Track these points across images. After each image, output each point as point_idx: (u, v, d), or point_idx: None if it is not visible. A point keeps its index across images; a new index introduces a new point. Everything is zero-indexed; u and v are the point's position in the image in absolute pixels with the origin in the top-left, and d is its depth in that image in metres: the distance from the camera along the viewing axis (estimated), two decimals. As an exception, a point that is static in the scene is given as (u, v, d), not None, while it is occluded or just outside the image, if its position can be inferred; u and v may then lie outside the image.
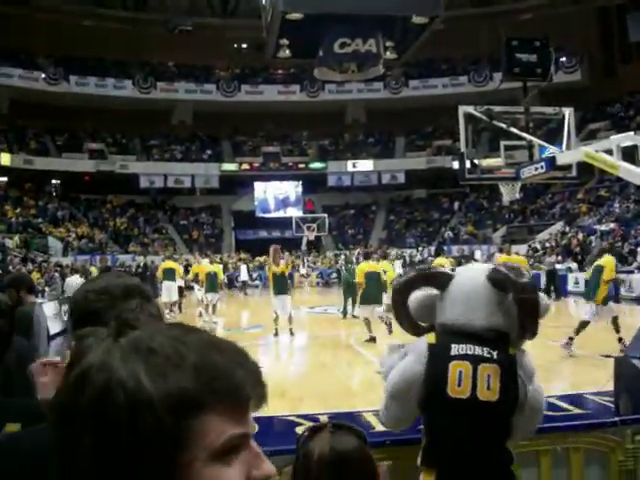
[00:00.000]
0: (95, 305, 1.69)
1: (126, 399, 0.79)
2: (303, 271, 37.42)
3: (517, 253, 23.97)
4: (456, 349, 2.90)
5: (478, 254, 23.91)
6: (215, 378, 0.83)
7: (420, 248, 42.55)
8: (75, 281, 20.77)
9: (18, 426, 2.05)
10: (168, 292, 21.80)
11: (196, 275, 21.98)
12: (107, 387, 0.80)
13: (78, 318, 1.70)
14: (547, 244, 35.71)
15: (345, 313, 21.17)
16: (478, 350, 2.90)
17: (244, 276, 35.84)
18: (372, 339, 15.20)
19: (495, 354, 2.91)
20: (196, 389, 0.81)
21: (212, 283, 20.50)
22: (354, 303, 20.99)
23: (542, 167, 12.26)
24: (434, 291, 3.15)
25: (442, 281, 3.12)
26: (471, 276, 3.09)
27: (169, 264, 23.20)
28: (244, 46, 44.83)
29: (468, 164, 13.33)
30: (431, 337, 3.01)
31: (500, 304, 2.96)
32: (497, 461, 2.91)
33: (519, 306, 2.90)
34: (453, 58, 48.30)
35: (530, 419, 3.00)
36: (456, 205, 49.33)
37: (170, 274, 22.24)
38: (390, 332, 14.91)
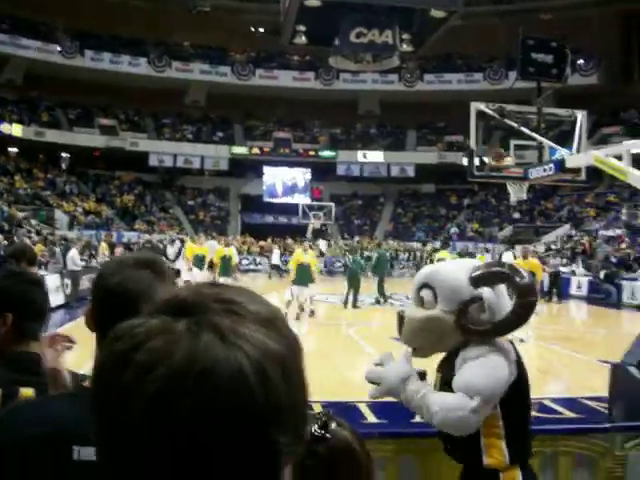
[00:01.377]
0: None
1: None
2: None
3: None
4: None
5: (509, 255, 23.64)
6: None
7: (425, 244, 42.50)
8: (73, 255, 20.94)
9: (32, 391, 2.15)
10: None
11: (196, 257, 21.72)
12: (252, 392, 0.76)
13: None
14: (552, 246, 35.65)
15: (346, 303, 21.13)
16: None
17: (276, 260, 35.49)
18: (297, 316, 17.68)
19: None
20: None
21: (226, 267, 20.15)
22: (356, 293, 21.13)
23: (551, 169, 12.23)
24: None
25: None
26: None
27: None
28: (261, 30, 44.67)
29: (477, 161, 13.31)
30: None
31: None
32: None
33: (519, 307, 2.93)
34: (469, 54, 48.05)
35: None
36: (464, 202, 49.26)
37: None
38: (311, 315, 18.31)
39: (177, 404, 0.73)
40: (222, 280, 19.65)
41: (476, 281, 2.91)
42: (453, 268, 3.06)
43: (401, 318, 3.12)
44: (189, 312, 0.80)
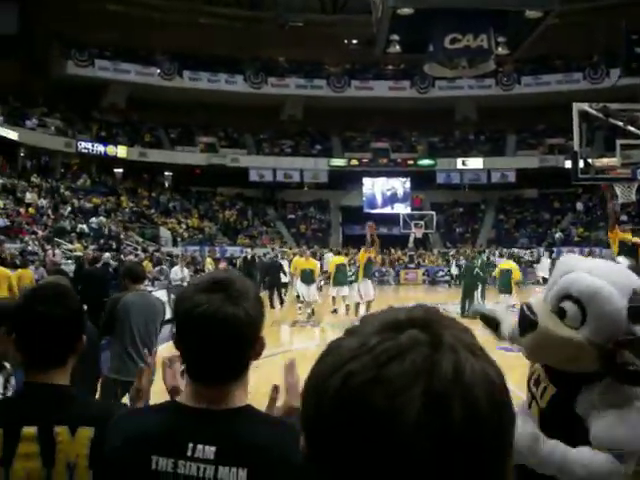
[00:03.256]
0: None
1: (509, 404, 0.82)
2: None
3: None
4: None
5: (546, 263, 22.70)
6: None
7: (530, 250, 41.68)
8: (177, 272, 21.55)
9: (92, 430, 2.07)
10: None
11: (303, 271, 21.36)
12: (503, 402, 0.80)
13: None
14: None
15: (463, 311, 20.60)
16: None
17: (455, 269, 34.41)
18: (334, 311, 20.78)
19: None
20: None
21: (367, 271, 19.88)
22: (471, 302, 20.72)
23: (661, 168, 11.79)
24: None
25: None
26: None
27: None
28: (354, 42, 44.81)
29: (581, 163, 12.94)
30: None
31: None
32: None
33: None
34: (567, 54, 46.86)
35: None
36: (568, 206, 48.10)
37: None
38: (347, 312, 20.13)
39: (449, 415, 0.74)
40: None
41: (637, 312, 2.40)
42: (614, 290, 2.43)
43: (530, 321, 2.55)
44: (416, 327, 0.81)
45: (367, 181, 49.64)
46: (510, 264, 20.22)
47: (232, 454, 1.67)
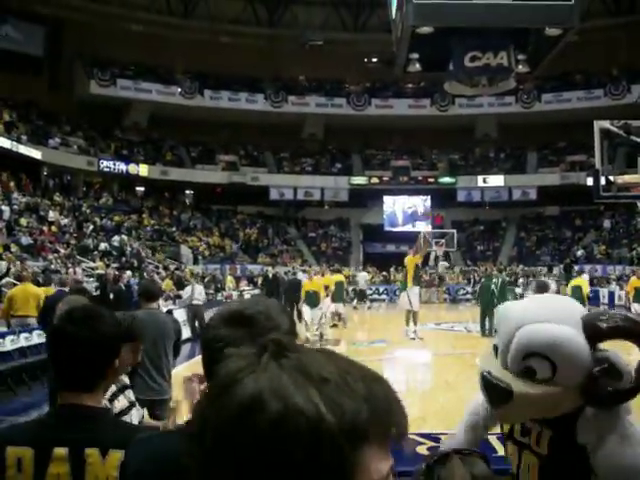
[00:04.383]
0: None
1: (308, 428, 0.77)
2: None
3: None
4: None
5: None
6: (379, 410, 0.82)
7: (547, 267, 41.38)
8: (187, 291, 21.66)
9: (122, 453, 2.07)
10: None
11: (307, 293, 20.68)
12: (286, 414, 0.77)
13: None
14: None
15: (484, 330, 20.43)
16: None
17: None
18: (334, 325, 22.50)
19: None
20: (366, 420, 0.80)
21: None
22: (492, 321, 20.50)
23: (683, 185, 11.71)
24: None
25: None
26: None
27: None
28: (374, 60, 44.93)
29: (603, 181, 12.87)
30: None
31: None
32: None
33: None
34: (588, 70, 46.74)
35: None
36: (590, 223, 47.79)
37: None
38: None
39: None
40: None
41: (596, 337, 2.36)
42: (572, 332, 2.36)
43: (504, 392, 2.43)
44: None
45: (388, 199, 49.55)
46: (581, 280, 19.68)
47: None
